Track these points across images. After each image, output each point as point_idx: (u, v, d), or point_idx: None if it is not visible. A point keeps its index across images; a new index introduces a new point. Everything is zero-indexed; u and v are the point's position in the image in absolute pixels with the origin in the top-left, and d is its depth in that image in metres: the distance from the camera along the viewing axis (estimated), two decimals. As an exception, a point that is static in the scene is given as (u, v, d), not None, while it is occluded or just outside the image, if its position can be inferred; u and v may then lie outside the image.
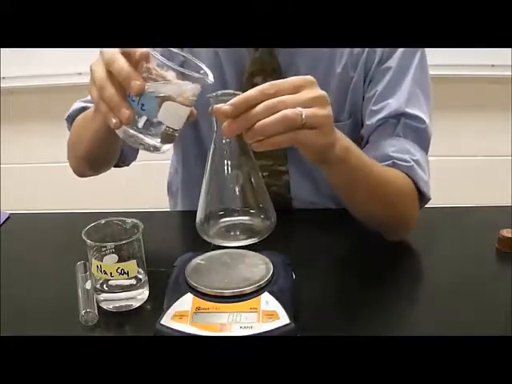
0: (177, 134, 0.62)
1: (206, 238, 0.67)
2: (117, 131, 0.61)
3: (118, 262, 0.68)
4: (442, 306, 0.71)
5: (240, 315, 0.62)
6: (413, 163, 0.83)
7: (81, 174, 0.96)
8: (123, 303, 0.70)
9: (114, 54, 0.59)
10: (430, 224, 0.90)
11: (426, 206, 0.87)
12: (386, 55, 0.89)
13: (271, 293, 0.64)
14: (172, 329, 0.62)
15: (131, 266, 0.69)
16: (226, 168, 0.65)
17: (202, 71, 0.62)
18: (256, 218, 0.67)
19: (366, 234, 0.84)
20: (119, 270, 0.68)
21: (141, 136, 0.61)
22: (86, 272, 0.74)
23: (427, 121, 0.88)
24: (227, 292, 0.64)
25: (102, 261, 0.68)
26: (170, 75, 0.60)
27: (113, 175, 2.02)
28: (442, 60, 1.52)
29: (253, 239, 0.66)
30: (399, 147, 0.85)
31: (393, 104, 0.87)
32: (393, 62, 0.89)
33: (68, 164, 0.96)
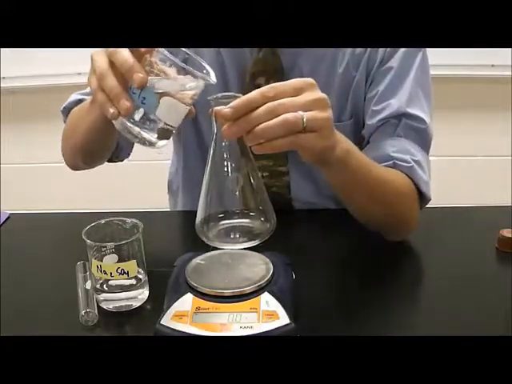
0: (174, 131, 0.62)
1: (205, 240, 0.67)
2: (114, 122, 0.61)
3: (117, 262, 0.68)
4: (442, 306, 0.71)
5: (240, 315, 0.62)
6: (413, 163, 0.83)
7: (74, 167, 0.95)
8: (123, 303, 0.70)
9: None
10: (430, 224, 0.90)
11: (426, 205, 0.87)
12: (388, 55, 0.89)
13: (271, 293, 0.64)
14: (172, 329, 0.62)
15: (131, 266, 0.69)
16: (225, 170, 0.65)
17: (204, 71, 0.62)
18: (256, 220, 0.67)
19: (366, 234, 0.84)
20: (119, 270, 0.68)
21: (137, 129, 0.60)
22: (85, 272, 0.74)
23: (428, 121, 0.88)
24: (227, 292, 0.64)
25: (102, 261, 0.68)
26: (173, 71, 0.60)
27: (113, 175, 2.02)
28: (442, 60, 1.52)
29: (252, 242, 0.66)
30: (400, 147, 0.85)
31: (394, 104, 0.87)
32: (394, 62, 0.89)
33: (74, 170, 0.95)
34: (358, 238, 0.87)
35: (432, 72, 0.92)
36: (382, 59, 0.89)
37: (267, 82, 0.88)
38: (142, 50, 0.59)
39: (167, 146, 0.99)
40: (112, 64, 0.60)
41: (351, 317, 0.69)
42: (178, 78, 0.60)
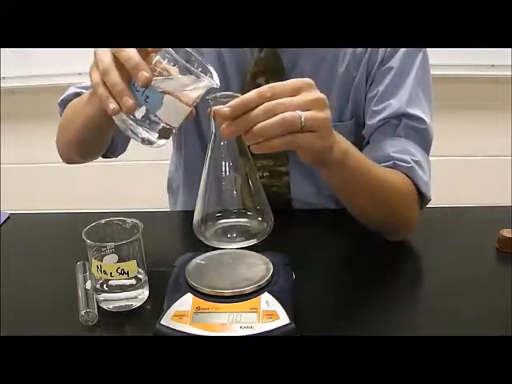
0: (174, 131, 0.62)
1: (203, 239, 0.67)
2: (114, 118, 0.61)
3: (117, 262, 0.68)
4: (441, 306, 0.71)
5: (240, 315, 0.62)
6: (413, 164, 0.83)
7: (68, 160, 0.94)
8: (123, 303, 0.70)
9: None
10: (430, 224, 0.90)
11: (427, 205, 0.87)
12: (388, 55, 0.89)
13: (271, 293, 0.64)
14: (172, 329, 0.62)
15: (131, 266, 0.68)
16: (223, 170, 0.65)
17: (208, 74, 0.62)
18: (253, 220, 0.67)
19: (366, 234, 0.84)
20: (119, 270, 0.68)
21: (138, 127, 0.60)
22: (85, 272, 0.74)
23: (428, 121, 0.88)
24: (227, 292, 0.64)
25: (101, 261, 0.68)
26: (177, 71, 0.60)
27: (113, 175, 2.02)
28: (442, 60, 1.52)
29: (250, 241, 0.66)
30: (400, 148, 0.85)
31: (394, 104, 0.87)
32: (395, 62, 0.89)
33: (68, 164, 0.95)
34: (358, 237, 0.87)
35: (432, 72, 0.92)
36: (383, 59, 0.89)
37: (268, 82, 0.88)
38: (149, 49, 0.59)
39: (167, 145, 0.99)
40: (116, 60, 0.60)
41: (351, 317, 0.69)
42: (183, 79, 0.60)
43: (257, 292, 0.64)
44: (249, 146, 0.61)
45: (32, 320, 0.70)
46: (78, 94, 0.91)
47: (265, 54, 0.89)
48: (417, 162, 0.84)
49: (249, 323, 0.61)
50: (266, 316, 0.62)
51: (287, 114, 0.58)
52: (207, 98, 0.61)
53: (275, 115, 0.58)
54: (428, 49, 0.91)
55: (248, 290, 0.64)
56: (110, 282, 0.70)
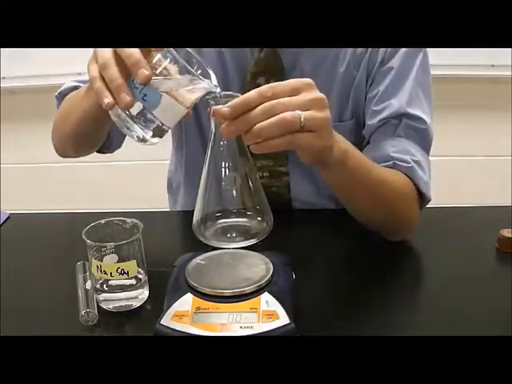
0: (168, 131, 0.62)
1: (202, 239, 0.67)
2: (110, 112, 0.61)
3: (117, 262, 0.68)
4: (441, 306, 0.71)
5: (240, 315, 0.62)
6: (413, 164, 0.83)
7: (62, 154, 0.94)
8: (123, 303, 0.70)
9: None
10: (430, 224, 0.90)
11: (427, 205, 0.87)
12: (388, 55, 0.89)
13: (271, 293, 0.64)
14: (172, 329, 0.62)
15: (131, 266, 0.68)
16: (223, 169, 0.65)
17: (208, 77, 0.62)
18: (253, 219, 0.67)
19: (366, 233, 0.84)
20: (119, 270, 0.68)
21: (133, 123, 0.60)
22: (85, 272, 0.74)
23: (429, 121, 0.88)
24: (227, 292, 0.64)
25: (102, 261, 0.68)
26: (177, 72, 0.60)
27: (113, 175, 2.02)
28: (442, 60, 1.52)
29: (249, 241, 0.66)
30: (400, 148, 0.85)
31: (394, 104, 0.87)
32: (395, 62, 0.89)
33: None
34: (358, 237, 0.87)
35: (432, 72, 0.92)
36: (383, 59, 0.89)
37: (268, 82, 0.88)
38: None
39: (166, 145, 0.99)
40: (116, 55, 0.59)
41: (351, 317, 0.69)
42: (182, 80, 0.60)
43: (257, 292, 0.64)
44: (248, 146, 0.61)
45: (32, 320, 0.70)
46: (75, 88, 0.91)
47: (265, 53, 0.89)
48: (417, 162, 0.84)
49: (249, 323, 0.61)
50: (265, 316, 0.62)
51: (287, 114, 0.58)
52: (207, 97, 0.61)
53: (275, 115, 0.58)
54: (428, 49, 0.91)
55: (248, 290, 0.64)
56: (110, 282, 0.70)
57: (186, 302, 0.64)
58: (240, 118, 0.58)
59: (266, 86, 0.59)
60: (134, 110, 0.60)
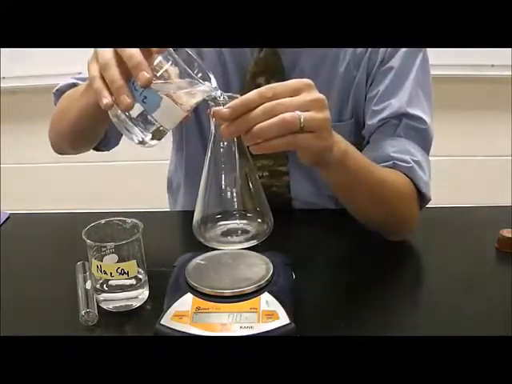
0: (166, 133, 0.62)
1: (202, 240, 0.67)
2: (109, 112, 0.61)
3: (117, 262, 0.68)
4: (442, 305, 0.71)
5: (240, 315, 0.62)
6: (413, 164, 0.83)
7: (59, 151, 0.94)
8: (123, 303, 0.70)
9: None
10: (430, 224, 0.90)
11: (426, 205, 0.87)
12: (388, 55, 0.89)
13: (271, 293, 0.64)
14: (172, 329, 0.62)
15: (131, 266, 0.68)
16: (223, 170, 0.65)
17: (208, 80, 0.62)
18: (253, 221, 0.67)
19: (366, 234, 0.84)
20: (119, 270, 0.68)
21: (132, 125, 0.60)
22: (85, 272, 0.74)
23: (428, 121, 0.88)
24: (227, 292, 0.64)
25: (101, 261, 0.68)
26: (177, 75, 0.60)
27: (113, 175, 2.02)
28: (442, 60, 1.52)
29: (249, 243, 0.66)
30: (400, 148, 0.85)
31: (394, 104, 0.87)
32: (395, 62, 0.89)
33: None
34: (358, 237, 0.87)
35: (432, 72, 0.92)
36: (383, 59, 0.89)
37: (268, 82, 0.88)
38: (154, 49, 0.59)
39: (166, 145, 0.99)
40: (117, 56, 0.59)
41: (351, 317, 0.69)
42: (182, 83, 0.60)
43: (257, 292, 0.64)
44: (248, 147, 0.61)
45: (32, 320, 0.70)
46: (73, 85, 0.91)
47: (264, 53, 0.89)
48: (417, 162, 0.84)
49: (249, 323, 0.61)
50: (265, 316, 0.62)
51: (287, 115, 0.58)
52: (206, 98, 0.61)
53: (275, 116, 0.58)
54: (428, 49, 0.91)
55: (248, 289, 0.64)
56: (110, 282, 0.70)
57: (186, 301, 0.64)
58: (240, 119, 0.58)
59: (266, 86, 0.59)
60: (134, 112, 0.60)
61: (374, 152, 0.85)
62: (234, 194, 0.65)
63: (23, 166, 1.99)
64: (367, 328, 0.67)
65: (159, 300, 0.68)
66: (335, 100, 0.91)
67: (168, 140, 1.07)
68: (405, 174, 0.83)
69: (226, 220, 0.67)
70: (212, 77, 0.62)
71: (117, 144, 0.95)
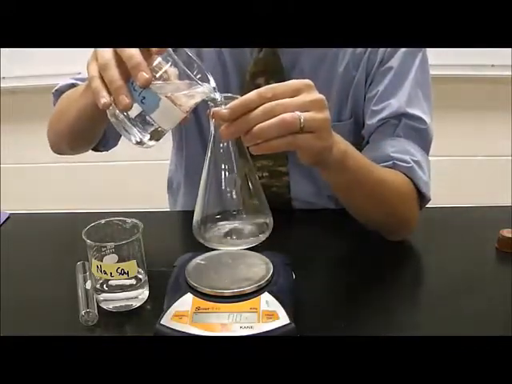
0: (165, 134, 0.62)
1: (202, 241, 0.67)
2: (108, 112, 0.61)
3: (117, 262, 0.68)
4: (442, 306, 0.71)
5: (240, 315, 0.62)
6: (413, 164, 0.83)
7: (58, 151, 0.94)
8: (123, 303, 0.70)
9: None
10: (430, 224, 0.90)
11: (426, 205, 0.87)
12: (388, 55, 0.89)
13: (271, 293, 0.64)
14: (172, 329, 0.62)
15: (131, 266, 0.69)
16: (223, 171, 0.65)
17: (207, 82, 0.62)
18: (253, 222, 0.66)
19: (366, 234, 0.84)
20: (119, 270, 0.68)
21: (130, 126, 0.60)
22: (85, 272, 0.74)
23: (428, 121, 0.88)
24: (227, 292, 0.64)
25: (102, 261, 0.68)
26: (176, 76, 0.60)
27: (113, 175, 2.02)
28: (442, 60, 1.52)
29: (249, 244, 0.66)
30: (399, 148, 0.85)
31: (394, 104, 0.87)
32: (394, 62, 0.89)
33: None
34: (358, 237, 0.87)
35: (432, 72, 0.92)
36: (382, 59, 0.89)
37: (267, 82, 0.89)
38: (154, 49, 0.59)
39: (166, 145, 0.99)
40: (116, 56, 0.59)
41: (351, 317, 0.69)
42: (181, 85, 0.60)
43: (257, 292, 0.64)
44: (248, 147, 0.61)
45: (32, 320, 0.70)
46: (72, 85, 0.91)
47: (264, 54, 0.89)
48: (416, 162, 0.84)
49: (249, 323, 0.61)
50: (265, 316, 0.62)
51: (286, 115, 0.58)
52: (206, 99, 0.61)
53: (274, 116, 0.58)
54: (428, 49, 0.91)
55: (248, 289, 0.64)
56: (110, 282, 0.70)
57: (186, 302, 0.64)
58: (240, 120, 0.58)
59: (266, 87, 0.59)
60: (133, 113, 0.60)
61: (374, 152, 0.85)
62: (234, 195, 0.65)
63: (23, 166, 1.99)
64: (367, 328, 0.67)
65: (159, 300, 0.68)
66: (334, 100, 0.91)
67: (168, 140, 1.07)
68: (404, 174, 0.83)
69: (225, 220, 0.67)
70: (211, 78, 0.62)
71: (115, 144, 0.95)
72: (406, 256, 0.85)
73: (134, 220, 0.72)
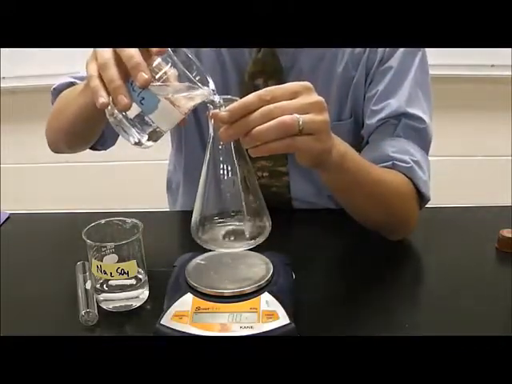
0: (163, 135, 0.62)
1: (200, 242, 0.67)
2: (106, 112, 0.61)
3: (117, 262, 0.68)
4: (442, 305, 0.71)
5: (240, 315, 0.62)
6: (412, 164, 0.83)
7: (55, 150, 0.94)
8: (123, 303, 0.70)
9: None
10: (429, 224, 0.90)
11: (426, 205, 0.87)
12: (387, 55, 0.89)
13: (271, 293, 0.64)
14: (172, 329, 0.62)
15: (131, 266, 0.69)
16: (222, 173, 0.65)
17: (206, 84, 0.62)
18: (251, 223, 0.66)
19: (366, 233, 0.84)
20: (119, 270, 0.68)
21: (129, 126, 0.60)
22: (85, 272, 0.74)
23: (428, 121, 0.88)
24: (227, 292, 0.64)
25: (102, 261, 0.68)
26: (176, 77, 0.60)
27: (113, 175, 2.02)
28: (442, 60, 1.52)
29: (247, 245, 0.66)
30: (399, 148, 0.85)
31: (393, 104, 0.87)
32: (394, 62, 0.88)
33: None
34: (358, 238, 0.87)
35: (432, 72, 0.92)
36: (382, 59, 0.89)
37: (266, 82, 0.89)
38: (154, 50, 0.59)
39: (165, 145, 0.99)
40: (116, 56, 0.59)
41: (351, 317, 0.69)
42: (181, 86, 0.60)
43: (257, 292, 0.64)
44: (247, 150, 0.61)
45: (32, 320, 0.70)
46: (71, 84, 0.91)
47: (262, 54, 0.89)
48: (416, 162, 0.84)
49: (249, 323, 0.61)
50: (265, 316, 0.62)
51: (285, 118, 0.58)
52: (205, 101, 0.61)
53: (273, 119, 0.58)
54: (428, 49, 0.91)
55: (248, 289, 0.64)
56: (110, 282, 0.70)
57: (186, 302, 0.64)
58: (239, 122, 0.58)
59: (265, 89, 0.59)
60: (131, 113, 0.60)
61: (374, 152, 0.85)
62: (232, 197, 0.65)
63: (23, 166, 1.99)
64: (367, 328, 0.67)
65: (159, 300, 0.68)
66: (334, 99, 0.91)
67: (167, 140, 1.07)
68: (404, 174, 0.83)
69: (223, 222, 0.67)
70: (210, 80, 0.62)
71: (113, 144, 0.95)
72: (406, 256, 0.85)
73: (134, 220, 0.72)
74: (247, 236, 0.66)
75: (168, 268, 0.72)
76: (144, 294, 0.72)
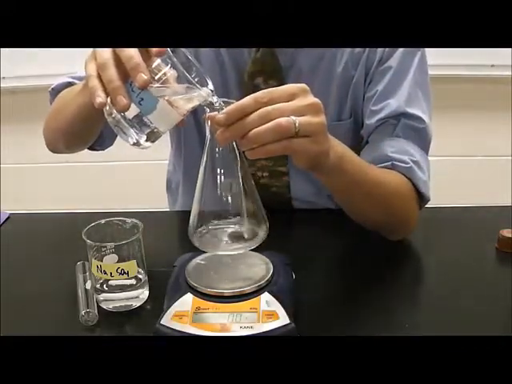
0: (162, 135, 0.62)
1: (197, 245, 0.67)
2: (105, 112, 0.61)
3: (117, 262, 0.68)
4: (442, 306, 0.71)
5: (240, 315, 0.62)
6: (412, 164, 0.83)
7: (53, 150, 0.94)
8: (123, 303, 0.70)
9: None
10: (429, 224, 0.90)
11: (426, 205, 0.87)
12: (387, 55, 0.89)
13: (271, 293, 0.64)
14: (172, 329, 0.62)
15: (131, 266, 0.69)
16: (219, 175, 0.65)
17: (205, 85, 0.61)
18: (248, 226, 0.66)
19: (366, 234, 0.84)
20: (119, 270, 0.68)
21: (127, 127, 0.60)
22: (85, 272, 0.74)
23: (427, 121, 0.88)
24: (227, 292, 0.64)
25: (102, 261, 0.68)
26: (175, 78, 0.60)
27: (113, 175, 2.02)
28: (442, 60, 1.52)
29: (244, 248, 0.66)
30: (398, 148, 0.85)
31: (393, 104, 0.87)
32: (393, 62, 0.88)
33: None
34: (358, 238, 0.87)
35: (432, 72, 0.92)
36: (381, 58, 0.89)
37: (265, 82, 0.89)
38: (153, 51, 0.59)
39: (165, 145, 0.99)
40: (115, 56, 0.59)
41: (351, 317, 0.69)
42: (180, 88, 0.60)
43: (257, 292, 0.64)
44: (244, 152, 0.61)
45: (32, 320, 0.70)
46: (69, 84, 0.91)
47: (261, 53, 0.89)
48: (415, 163, 0.84)
49: (249, 323, 0.61)
50: (265, 316, 0.62)
51: (281, 120, 0.58)
52: (202, 104, 0.61)
53: (270, 121, 0.58)
54: (428, 49, 0.91)
55: (248, 289, 0.64)
56: (110, 282, 0.70)
57: (186, 302, 0.64)
58: (235, 125, 0.58)
59: (262, 91, 0.59)
60: (130, 113, 0.60)
61: (373, 152, 0.85)
62: (230, 199, 0.65)
63: (23, 166, 1.99)
64: (367, 328, 0.67)
65: (159, 300, 0.68)
66: (333, 99, 0.91)
67: (167, 141, 1.07)
68: (403, 174, 0.83)
69: (221, 224, 0.67)
70: (209, 82, 0.62)
71: (111, 144, 0.95)
72: (406, 256, 0.85)
73: (134, 220, 0.72)
74: (244, 239, 0.66)
75: (168, 268, 0.72)
76: (144, 293, 0.72)
